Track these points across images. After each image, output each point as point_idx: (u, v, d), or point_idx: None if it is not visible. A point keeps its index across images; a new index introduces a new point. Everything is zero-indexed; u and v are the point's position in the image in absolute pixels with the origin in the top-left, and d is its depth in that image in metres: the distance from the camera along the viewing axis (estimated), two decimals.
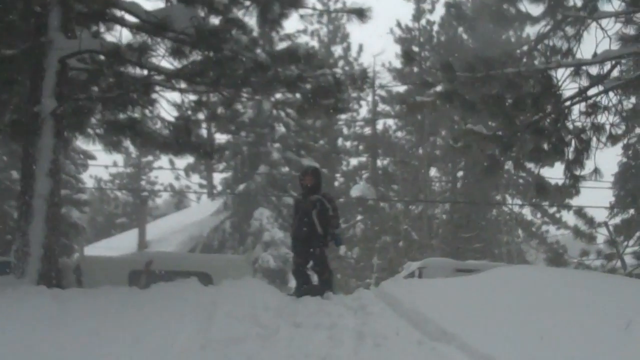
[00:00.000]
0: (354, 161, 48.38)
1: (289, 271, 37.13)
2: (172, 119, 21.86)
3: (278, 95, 21.51)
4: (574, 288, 15.44)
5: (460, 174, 44.79)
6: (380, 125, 49.42)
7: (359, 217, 44.90)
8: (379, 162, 47.51)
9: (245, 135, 40.69)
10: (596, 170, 24.20)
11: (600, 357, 11.61)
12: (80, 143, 31.17)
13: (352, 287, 25.41)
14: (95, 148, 35.39)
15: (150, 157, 60.32)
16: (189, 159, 45.96)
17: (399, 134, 48.80)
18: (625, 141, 34.96)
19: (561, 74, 21.08)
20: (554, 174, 24.73)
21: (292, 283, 36.15)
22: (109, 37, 19.35)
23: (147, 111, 21.93)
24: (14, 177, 28.13)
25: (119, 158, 74.16)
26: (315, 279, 16.87)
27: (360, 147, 48.95)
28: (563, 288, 15.38)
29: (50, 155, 17.21)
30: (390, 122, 49.25)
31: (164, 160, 58.95)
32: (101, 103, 19.60)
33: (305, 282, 16.72)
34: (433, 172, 47.38)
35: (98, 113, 20.23)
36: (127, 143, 22.18)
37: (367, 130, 49.23)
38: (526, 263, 38.87)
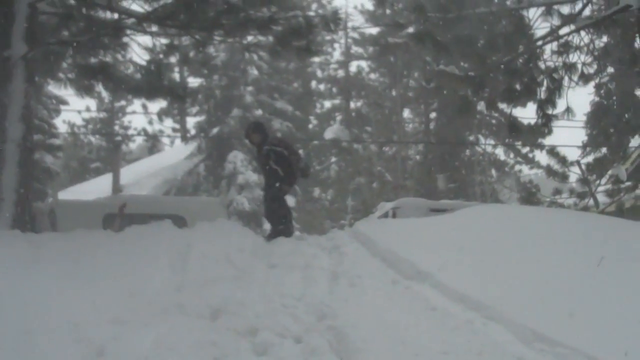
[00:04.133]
0: (327, 104, 48.44)
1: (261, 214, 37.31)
2: (144, 63, 21.97)
3: (250, 38, 21.47)
4: (547, 226, 15.53)
5: (433, 115, 44.80)
6: (353, 67, 49.43)
7: (333, 159, 44.96)
8: (352, 104, 47.48)
9: (218, 78, 40.58)
10: (568, 109, 24.29)
11: (573, 293, 11.72)
12: (52, 88, 31.15)
13: (326, 228, 25.54)
14: (67, 93, 35.46)
15: (123, 102, 60.12)
16: (162, 103, 45.94)
17: (372, 76, 48.81)
18: (597, 80, 35.08)
19: (533, 14, 21.10)
20: (527, 113, 24.76)
21: (267, 225, 36.35)
22: None
23: (118, 55, 22.02)
24: None
25: (91, 103, 74.08)
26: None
27: (334, 90, 48.88)
28: (536, 226, 15.46)
29: (21, 100, 17.25)
30: (363, 64, 49.28)
31: (136, 104, 59.04)
32: (72, 47, 19.62)
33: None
34: (406, 113, 47.46)
35: (69, 57, 20.23)
36: (100, 87, 22.12)
37: (341, 73, 49.13)
38: (499, 202, 39.08)
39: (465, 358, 9.85)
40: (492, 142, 42.95)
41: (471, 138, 42.95)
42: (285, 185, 13.77)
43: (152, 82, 21.36)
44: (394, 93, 46.41)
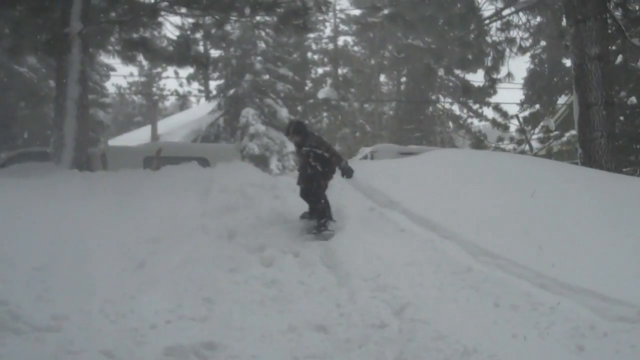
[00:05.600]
0: (320, 70, 48.16)
1: (269, 156, 37.26)
2: (174, 38, 22.05)
3: (258, 18, 21.47)
4: (492, 166, 15.54)
5: (403, 79, 44.61)
6: (340, 41, 49.18)
7: (325, 114, 44.83)
8: (339, 71, 47.25)
9: (233, 50, 40.37)
10: (509, 74, 24.39)
11: (512, 217, 11.76)
12: (103, 57, 31.03)
13: None
14: (115, 61, 35.25)
15: (159, 69, 59.67)
16: (190, 70, 45.79)
17: (355, 48, 48.50)
18: (532, 51, 35.10)
19: None
20: (476, 77, 24.76)
21: (273, 165, 36.35)
22: None
23: (155, 32, 22.12)
24: (51, 85, 27.89)
25: (134, 69, 73.67)
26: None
27: (325, 59, 48.61)
28: (483, 166, 15.47)
29: (78, 67, 17.56)
30: (349, 39, 49.01)
31: (170, 71, 58.52)
32: (118, 25, 19.65)
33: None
34: (382, 78, 47.30)
35: (116, 33, 20.22)
36: (140, 57, 22.13)
37: (330, 46, 48.88)
38: (455, 147, 39.08)
39: (427, 268, 9.91)
40: (450, 100, 42.91)
41: (433, 97, 42.89)
42: (324, 182, 12.72)
43: (182, 53, 21.52)
44: (372, 62, 46.19)
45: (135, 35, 20.58)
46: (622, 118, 21.18)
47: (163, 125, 42.89)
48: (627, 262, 9.57)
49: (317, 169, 11.79)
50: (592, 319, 7.94)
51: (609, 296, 8.47)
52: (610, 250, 10.10)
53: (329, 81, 47.24)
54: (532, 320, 8.04)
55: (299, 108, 44.10)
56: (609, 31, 19.09)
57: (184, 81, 54.72)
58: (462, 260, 10.14)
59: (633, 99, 21.55)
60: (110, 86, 48.21)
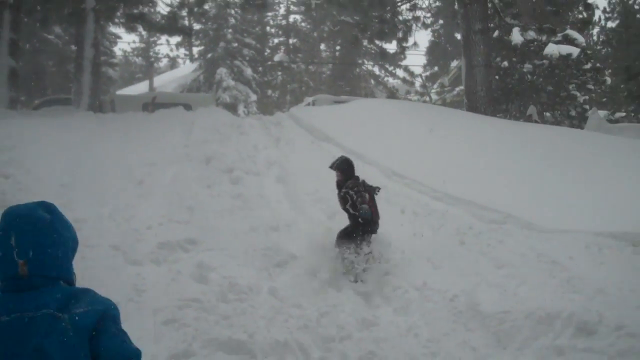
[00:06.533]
0: (276, 40, 47.47)
1: (237, 104, 36.86)
2: (165, 13, 21.85)
3: None
4: (402, 111, 15.59)
5: (338, 47, 44.37)
6: (291, 18, 48.58)
7: (279, 73, 44.46)
8: (290, 41, 46.73)
9: (210, 24, 39.61)
10: (415, 44, 24.37)
11: (414, 148, 11.83)
12: (111, 28, 30.30)
13: (274, 112, 25.45)
14: (120, 31, 34.43)
15: (155, 37, 58.38)
16: (178, 38, 45.16)
17: (303, 24, 47.97)
18: (433, 27, 34.97)
19: None
20: (391, 46, 24.55)
21: (240, 111, 35.98)
22: None
23: (151, 9, 21.94)
24: (72, 49, 27.26)
25: (135, 37, 72.01)
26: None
27: (280, 32, 48.03)
28: (396, 111, 15.52)
29: (92, 35, 17.44)
30: (298, 17, 48.42)
31: (162, 39, 57.31)
32: (122, 3, 19.31)
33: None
34: (322, 46, 46.84)
35: (121, 9, 19.76)
36: (140, 28, 21.78)
37: (284, 22, 48.24)
38: (375, 97, 39.11)
39: None
40: (371, 63, 42.73)
41: (359, 61, 42.70)
42: (355, 225, 8.42)
43: (171, 25, 21.33)
44: (315, 34, 45.74)
45: (135, 11, 20.33)
46: (497, 77, 21.30)
47: (158, 80, 42.05)
48: (496, 179, 9.73)
49: (350, 212, 7.49)
50: (471, 221, 8.09)
51: (483, 205, 8.62)
52: (483, 170, 10.26)
53: (283, 48, 46.73)
54: (428, 223, 8.16)
55: (260, 68, 43.55)
56: (489, 12, 19.13)
57: (174, 47, 53.70)
58: (379, 178, 10.18)
59: (505, 63, 21.68)
60: (117, 50, 47.28)
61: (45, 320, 1.99)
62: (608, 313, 4.84)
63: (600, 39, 34.62)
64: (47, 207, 2.22)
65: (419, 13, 22.44)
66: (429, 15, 26.06)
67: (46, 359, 1.95)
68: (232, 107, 33.56)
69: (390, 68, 41.29)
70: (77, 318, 2.00)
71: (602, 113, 21.78)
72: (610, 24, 34.06)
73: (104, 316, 2.07)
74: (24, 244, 2.06)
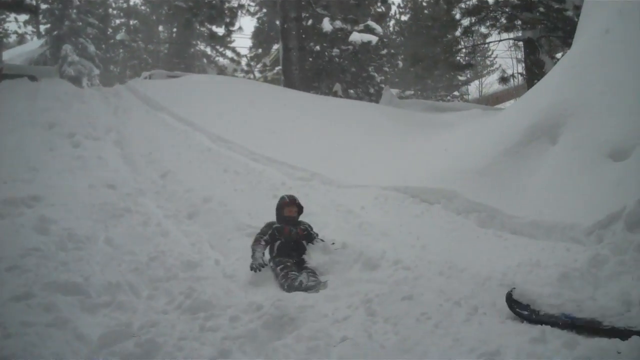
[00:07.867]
0: (118, 21, 44.96)
1: (81, 77, 34.66)
2: None
3: None
4: (229, 86, 15.58)
5: (174, 29, 42.97)
6: (132, 1, 46.28)
7: (121, 51, 42.36)
8: (131, 22, 44.58)
9: (56, 4, 36.71)
10: (240, 28, 24.30)
11: (238, 117, 11.85)
12: None
13: (112, 84, 24.08)
14: None
15: (3, 15, 53.57)
16: (25, 16, 41.17)
17: (143, 7, 45.79)
18: (257, 15, 34.76)
19: None
20: (221, 30, 24.17)
21: (84, 83, 33.87)
22: None
23: None
24: None
25: None
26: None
27: (121, 14, 45.57)
28: (224, 86, 15.47)
29: None
30: (138, 0, 46.24)
31: (11, 17, 51.97)
32: None
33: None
34: (160, 27, 45.13)
35: None
36: None
37: (125, 5, 45.88)
38: (206, 73, 38.36)
39: (182, 149, 9.84)
40: (204, 44, 41.85)
41: (193, 42, 41.73)
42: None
43: (19, 4, 19.42)
44: (154, 17, 44.01)
45: None
46: (310, 59, 21.79)
47: (7, 54, 38.42)
48: (305, 143, 10.04)
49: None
50: (283, 179, 8.30)
51: (293, 165, 8.88)
52: (295, 135, 10.55)
53: (124, 28, 44.42)
54: (247, 180, 8.27)
55: (103, 46, 41.19)
56: (302, 3, 19.45)
57: (22, 24, 49.21)
58: (206, 143, 10.17)
59: (317, 47, 22.21)
60: None
61: None
62: (389, 251, 5.21)
63: (395, 30, 36.79)
64: None
65: (244, 1, 22.37)
66: (253, 4, 25.97)
67: None
68: (76, 80, 31.48)
69: (221, 49, 40.80)
70: None
71: (395, 91, 23.00)
72: (403, 18, 36.44)
73: None
74: None
